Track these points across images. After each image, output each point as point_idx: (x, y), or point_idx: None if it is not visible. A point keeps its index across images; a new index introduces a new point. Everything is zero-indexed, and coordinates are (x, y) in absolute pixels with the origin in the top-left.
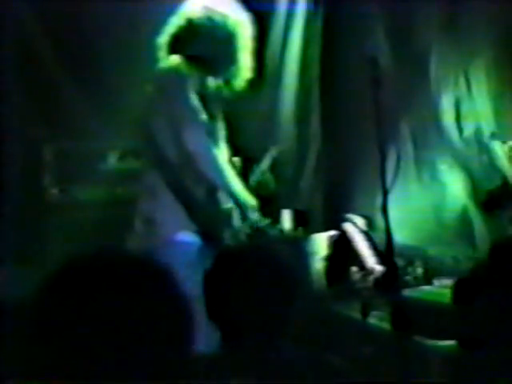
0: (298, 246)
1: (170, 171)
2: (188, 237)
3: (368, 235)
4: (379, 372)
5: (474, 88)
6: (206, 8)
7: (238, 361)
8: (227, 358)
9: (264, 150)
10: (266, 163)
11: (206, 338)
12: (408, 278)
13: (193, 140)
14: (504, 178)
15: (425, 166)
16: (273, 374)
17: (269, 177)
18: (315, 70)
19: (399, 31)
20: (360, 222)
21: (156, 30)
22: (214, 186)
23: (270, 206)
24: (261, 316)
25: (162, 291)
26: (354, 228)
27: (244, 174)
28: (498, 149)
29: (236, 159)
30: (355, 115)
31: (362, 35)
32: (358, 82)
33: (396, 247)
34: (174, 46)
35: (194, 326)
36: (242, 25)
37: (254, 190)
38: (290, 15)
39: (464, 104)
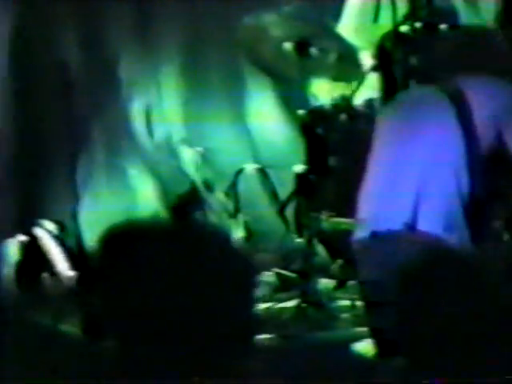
0: None
1: None
2: None
3: (60, 240)
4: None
5: (165, 94)
6: None
7: None
8: None
9: None
10: None
11: None
12: None
13: None
14: (192, 183)
15: (115, 171)
16: None
17: None
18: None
19: (91, 36)
20: (52, 227)
21: None
22: None
23: None
24: None
25: None
26: (46, 233)
27: None
28: (186, 154)
29: None
30: (47, 120)
31: (54, 39)
32: (50, 86)
33: (88, 251)
34: None
35: None
36: None
37: None
38: None
39: (155, 110)
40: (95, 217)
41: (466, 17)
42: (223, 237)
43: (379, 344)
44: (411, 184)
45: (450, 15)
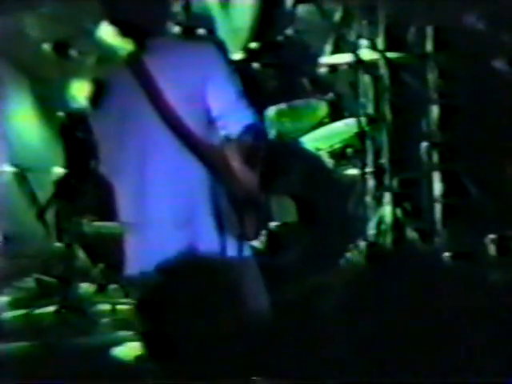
0: None
1: None
2: None
3: None
4: None
5: None
6: None
7: None
8: None
9: None
10: None
11: None
12: None
13: None
14: None
15: None
16: None
17: None
18: None
19: None
20: None
21: None
22: None
23: None
24: None
25: None
26: None
27: None
28: None
29: None
30: None
31: None
32: None
33: None
34: None
35: None
36: None
37: None
38: None
39: None
40: None
41: (221, 22)
42: None
43: (149, 347)
44: (165, 208)
45: (207, 20)
